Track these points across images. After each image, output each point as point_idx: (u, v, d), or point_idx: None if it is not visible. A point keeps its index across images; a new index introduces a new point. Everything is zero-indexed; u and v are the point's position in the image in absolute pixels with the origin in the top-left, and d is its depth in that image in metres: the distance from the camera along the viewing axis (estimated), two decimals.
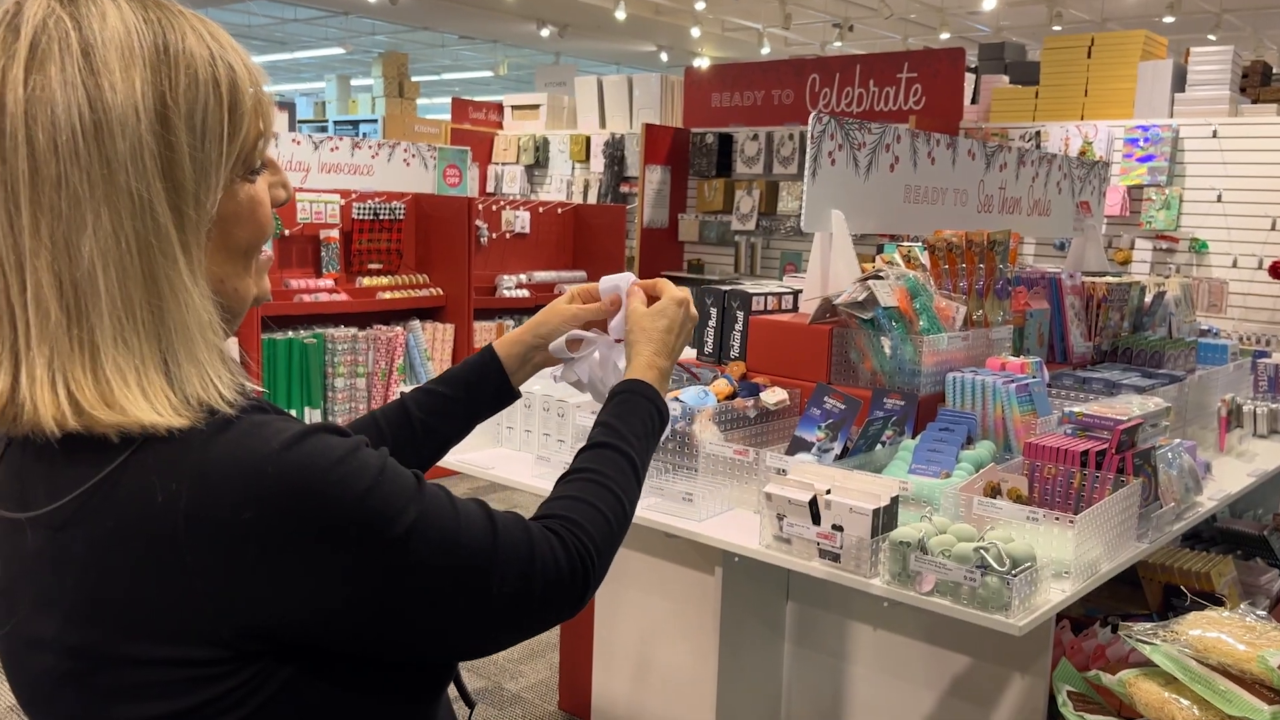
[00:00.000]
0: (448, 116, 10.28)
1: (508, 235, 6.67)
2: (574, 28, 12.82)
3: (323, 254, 5.68)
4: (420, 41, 15.07)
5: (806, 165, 2.86)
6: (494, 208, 6.63)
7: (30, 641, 0.84)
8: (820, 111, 2.87)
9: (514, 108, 10.10)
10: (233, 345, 4.21)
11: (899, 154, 3.18)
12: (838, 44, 12.58)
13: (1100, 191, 4.56)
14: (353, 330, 5.56)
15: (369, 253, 5.86)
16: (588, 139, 9.21)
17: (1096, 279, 3.40)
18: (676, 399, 2.43)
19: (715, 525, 2.24)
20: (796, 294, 3.03)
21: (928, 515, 1.95)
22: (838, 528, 1.95)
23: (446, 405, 1.32)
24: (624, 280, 1.36)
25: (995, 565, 1.79)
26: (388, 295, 5.81)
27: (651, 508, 2.27)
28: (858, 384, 2.58)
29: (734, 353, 2.88)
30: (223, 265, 0.88)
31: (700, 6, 10.98)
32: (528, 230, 6.75)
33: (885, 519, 1.94)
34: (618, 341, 1.36)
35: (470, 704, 1.19)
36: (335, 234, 5.69)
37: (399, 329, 5.75)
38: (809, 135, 2.85)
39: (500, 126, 10.12)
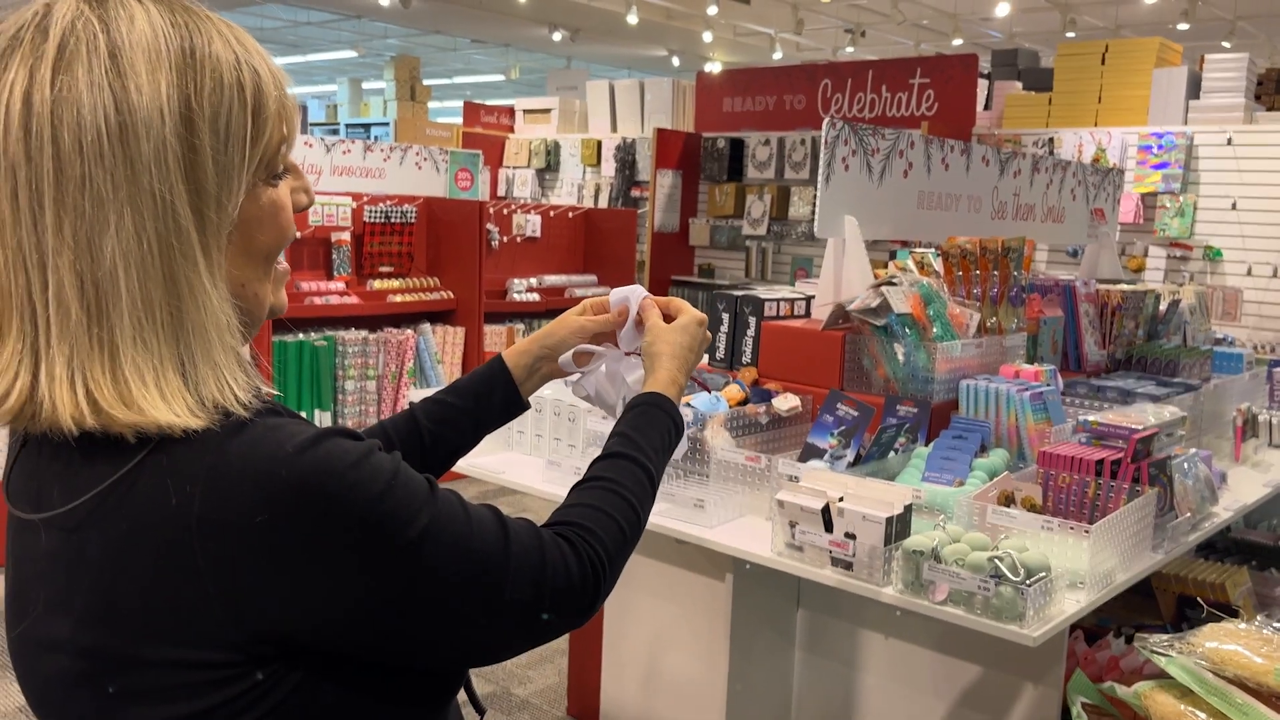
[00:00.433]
0: (459, 120, 10.29)
1: (518, 239, 6.67)
2: (586, 32, 12.83)
3: (334, 257, 5.69)
4: (432, 45, 15.11)
5: (820, 171, 2.85)
6: (505, 211, 6.63)
7: (43, 643, 0.84)
8: (834, 117, 2.86)
9: (525, 111, 10.11)
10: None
11: (913, 160, 3.16)
12: (850, 49, 12.56)
13: (1115, 198, 4.54)
14: (363, 333, 5.57)
15: (380, 255, 5.87)
16: (599, 143, 9.21)
17: (1111, 286, 3.38)
18: (688, 404, 2.42)
19: (726, 532, 2.23)
20: (809, 300, 3.02)
21: (941, 524, 1.94)
22: (850, 536, 1.93)
23: (455, 415, 1.32)
24: (634, 293, 1.37)
25: (1009, 575, 1.77)
26: (398, 298, 5.82)
27: (663, 514, 2.26)
28: (870, 391, 2.56)
29: (746, 358, 2.87)
30: (243, 269, 0.88)
31: (712, 11, 10.98)
32: (538, 234, 6.76)
33: (898, 527, 1.92)
34: (627, 354, 1.36)
35: (481, 710, 1.18)
36: (346, 237, 5.70)
37: (409, 332, 5.75)
38: (823, 140, 2.84)
39: (511, 130, 10.12)
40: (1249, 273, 6.15)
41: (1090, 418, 2.28)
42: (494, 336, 6.21)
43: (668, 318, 1.36)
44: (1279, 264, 6.04)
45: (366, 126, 11.31)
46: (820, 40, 13.52)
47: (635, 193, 8.81)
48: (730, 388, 2.60)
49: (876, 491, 2.00)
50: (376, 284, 5.82)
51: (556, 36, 12.85)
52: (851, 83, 7.75)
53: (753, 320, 2.86)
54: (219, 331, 0.83)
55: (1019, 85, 7.38)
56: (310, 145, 6.40)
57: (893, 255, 4.33)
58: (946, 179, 3.35)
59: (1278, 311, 6.07)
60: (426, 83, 11.93)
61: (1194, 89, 6.45)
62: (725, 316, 2.92)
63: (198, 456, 0.79)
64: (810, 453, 2.39)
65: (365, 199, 5.83)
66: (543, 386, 1.43)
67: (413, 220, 5.99)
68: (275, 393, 0.89)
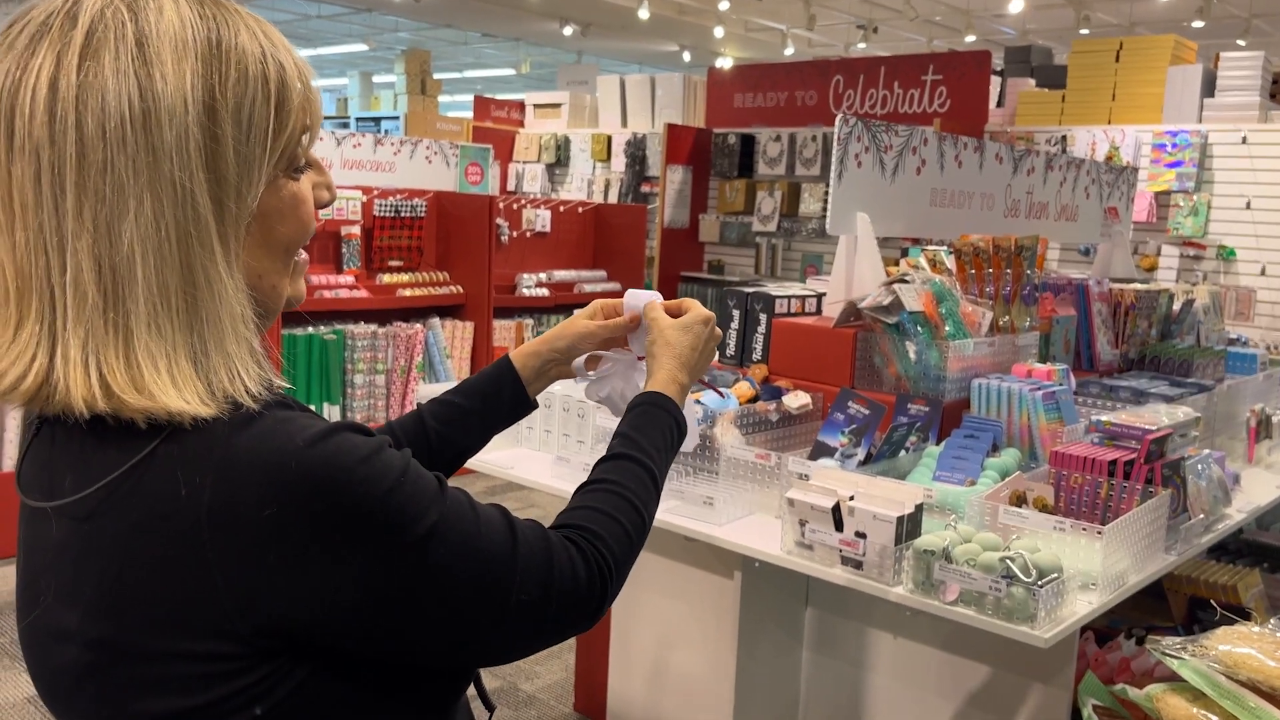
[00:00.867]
0: (470, 114, 10.28)
1: (528, 234, 6.67)
2: (597, 26, 12.81)
3: (344, 250, 5.69)
4: (443, 39, 15.11)
5: (832, 167, 2.84)
6: (515, 206, 6.63)
7: (53, 633, 0.84)
8: (847, 113, 2.85)
9: (536, 106, 10.09)
10: None
11: (926, 157, 3.14)
12: (862, 45, 12.52)
13: (1129, 197, 4.51)
14: (373, 327, 5.57)
15: (390, 249, 5.87)
16: (609, 138, 9.20)
17: (1124, 286, 3.36)
18: (698, 401, 2.41)
19: (736, 530, 2.22)
20: (820, 297, 3.00)
21: (952, 524, 1.93)
22: (861, 535, 1.92)
23: (462, 416, 1.31)
24: (646, 297, 1.36)
25: (1021, 576, 1.76)
26: (408, 292, 5.82)
27: (672, 511, 2.26)
28: (882, 389, 2.55)
29: (756, 355, 2.86)
30: (261, 260, 0.89)
31: (724, 6, 10.95)
32: (548, 229, 6.75)
33: (909, 526, 1.91)
34: (640, 359, 1.35)
35: (490, 707, 1.17)
36: (356, 230, 5.70)
37: (419, 326, 5.75)
38: (835, 137, 2.82)
39: (522, 125, 10.12)
40: (1263, 272, 6.11)
41: (1103, 418, 2.27)
42: (503, 331, 6.20)
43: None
44: None
45: (377, 120, 11.30)
46: (832, 36, 13.47)
47: (645, 188, 8.79)
48: (740, 384, 2.59)
49: (887, 490, 1.99)
50: (386, 278, 5.82)
51: (567, 31, 12.83)
52: (864, 79, 7.72)
53: (763, 317, 2.85)
54: (233, 321, 0.83)
55: (1032, 82, 7.35)
56: (321, 138, 6.39)
57: (904, 253, 4.31)
58: (959, 176, 3.33)
59: None
60: (437, 77, 11.91)
61: (1209, 87, 6.40)
62: (736, 313, 2.91)
63: (208, 448, 0.79)
64: (821, 451, 2.38)
65: (375, 193, 5.82)
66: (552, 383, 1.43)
67: (422, 214, 5.99)
68: (287, 385, 0.89)
